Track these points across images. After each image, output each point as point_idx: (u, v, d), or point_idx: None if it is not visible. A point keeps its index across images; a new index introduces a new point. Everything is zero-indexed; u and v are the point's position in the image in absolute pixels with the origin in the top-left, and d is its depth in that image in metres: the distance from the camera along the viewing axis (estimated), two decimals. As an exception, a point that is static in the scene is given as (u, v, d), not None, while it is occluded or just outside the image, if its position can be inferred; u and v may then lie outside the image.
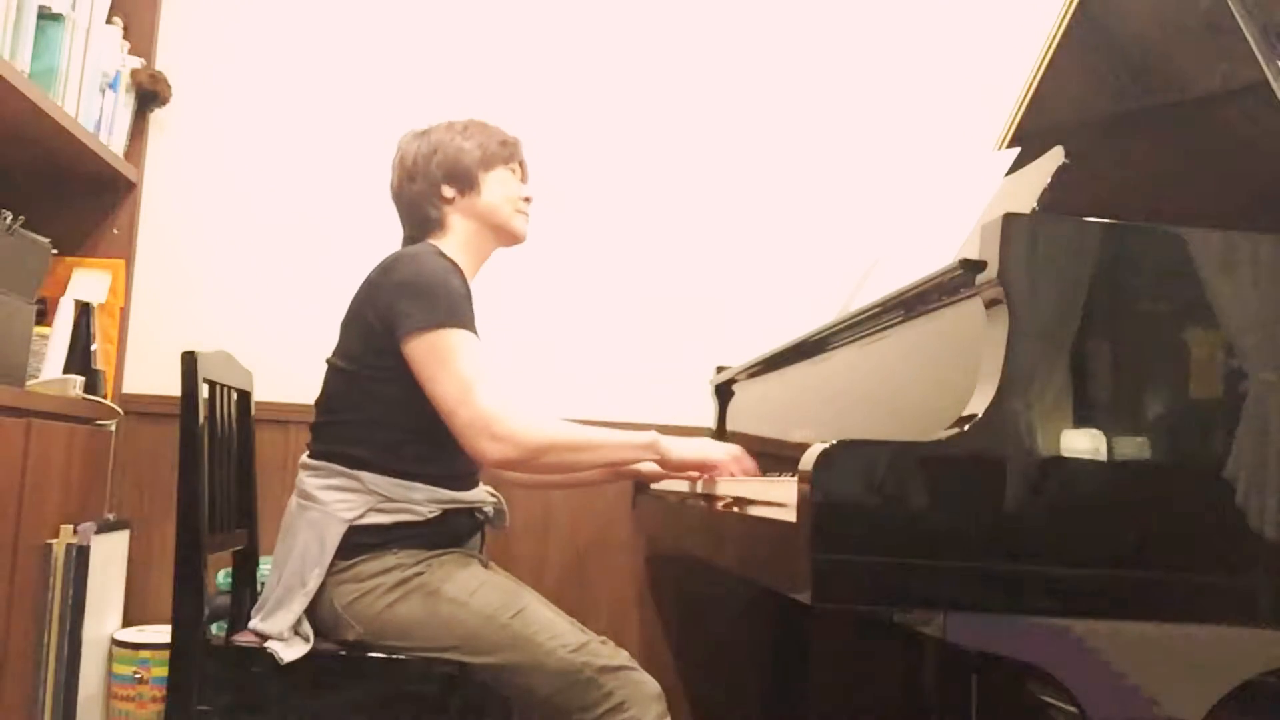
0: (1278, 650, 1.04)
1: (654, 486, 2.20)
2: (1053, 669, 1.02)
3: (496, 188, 1.73)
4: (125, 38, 2.29)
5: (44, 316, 2.09)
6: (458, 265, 1.66)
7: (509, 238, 1.77)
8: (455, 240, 1.72)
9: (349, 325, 1.64)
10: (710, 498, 1.62)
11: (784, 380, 1.93)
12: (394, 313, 1.55)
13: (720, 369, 2.40)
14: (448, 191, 1.71)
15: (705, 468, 1.68)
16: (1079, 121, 1.82)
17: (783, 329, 2.11)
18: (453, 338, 1.53)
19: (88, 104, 2.10)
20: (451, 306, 1.55)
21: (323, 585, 1.53)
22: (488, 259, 1.78)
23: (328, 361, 1.65)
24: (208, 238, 2.42)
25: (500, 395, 1.53)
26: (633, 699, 1.46)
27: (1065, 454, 1.02)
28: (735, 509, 1.37)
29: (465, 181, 1.71)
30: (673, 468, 1.70)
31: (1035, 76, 1.87)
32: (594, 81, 2.55)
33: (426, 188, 1.71)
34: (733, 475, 1.64)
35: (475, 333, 1.58)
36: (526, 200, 1.77)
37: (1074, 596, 1.01)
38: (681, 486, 1.89)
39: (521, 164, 1.79)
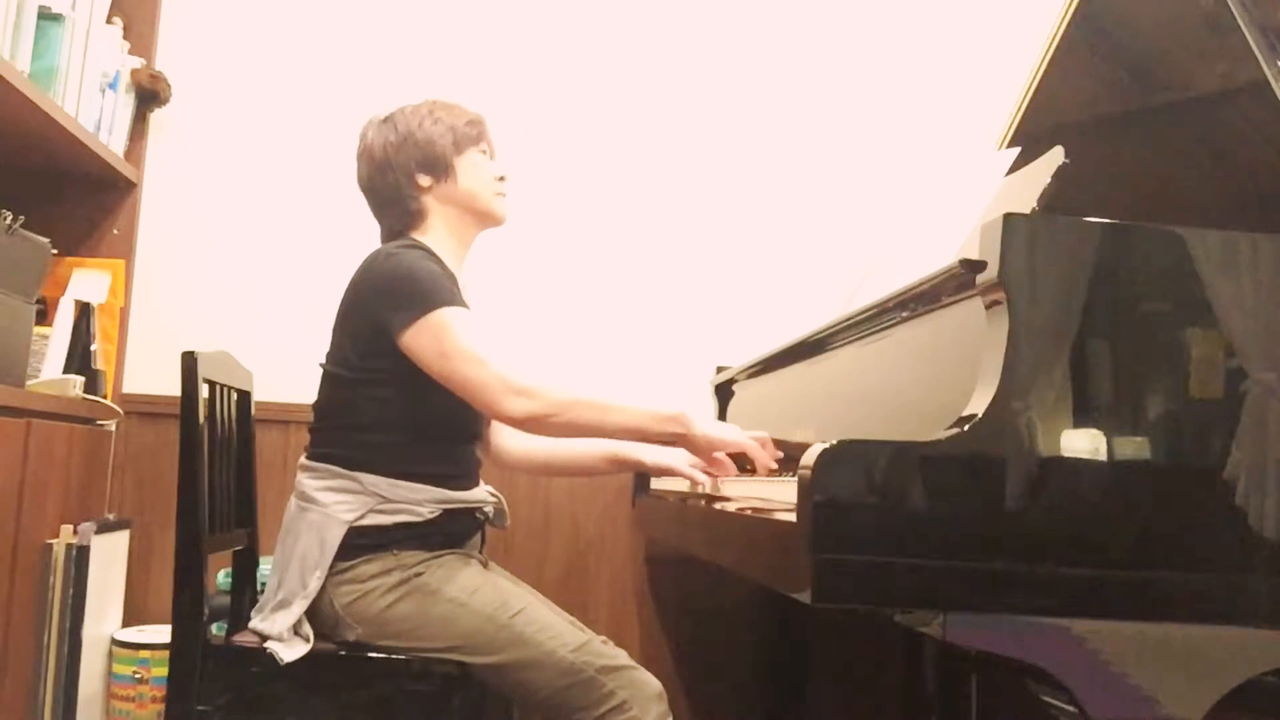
0: (1278, 650, 1.04)
1: (654, 486, 2.20)
2: (1053, 669, 1.02)
3: (472, 171, 1.70)
4: (125, 38, 2.29)
5: (44, 316, 2.09)
6: (436, 255, 1.64)
7: (489, 221, 1.74)
8: (437, 230, 1.70)
9: (339, 331, 1.63)
10: (710, 498, 1.62)
11: (784, 380, 1.93)
12: (381, 313, 1.55)
13: (720, 369, 2.40)
14: (423, 180, 1.68)
15: (731, 449, 1.56)
16: (1079, 121, 1.82)
17: (783, 329, 2.11)
18: (445, 315, 1.52)
19: (88, 104, 2.10)
20: (435, 289, 1.54)
21: (323, 586, 1.53)
22: (471, 244, 1.76)
23: (321, 367, 1.65)
24: (208, 238, 2.42)
25: (509, 358, 1.52)
26: (634, 698, 1.46)
27: (1065, 454, 1.02)
28: (735, 509, 1.37)
29: (440, 168, 1.68)
30: (699, 447, 1.56)
31: (1035, 76, 1.87)
32: (595, 80, 2.55)
33: (401, 178, 1.68)
34: (755, 470, 1.56)
35: (466, 307, 1.57)
36: (502, 179, 1.74)
37: (1074, 596, 1.01)
38: (682, 486, 1.89)
39: (489, 142, 1.76)
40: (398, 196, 1.69)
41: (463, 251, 1.74)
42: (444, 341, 1.51)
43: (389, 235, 1.73)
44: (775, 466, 1.56)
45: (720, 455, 1.61)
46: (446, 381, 1.53)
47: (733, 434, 1.56)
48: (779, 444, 1.62)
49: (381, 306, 1.55)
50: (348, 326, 1.61)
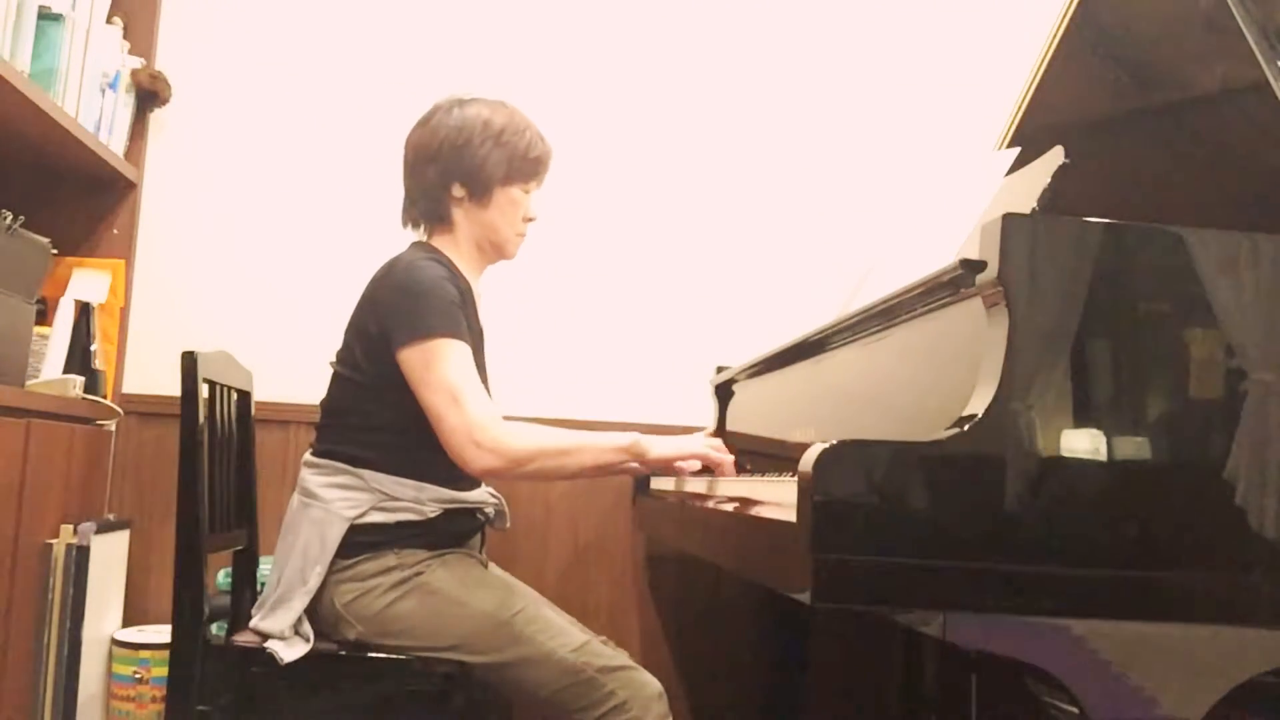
0: (1278, 650, 1.04)
1: (654, 486, 2.20)
2: (1053, 669, 1.02)
3: (506, 206, 1.72)
4: (125, 38, 2.29)
5: (44, 316, 2.09)
6: (455, 269, 1.66)
7: (498, 256, 1.77)
8: (455, 241, 1.72)
9: (351, 332, 1.65)
10: (710, 498, 1.62)
11: (784, 380, 1.93)
12: (389, 321, 1.56)
13: (720, 369, 2.40)
14: (457, 191, 1.70)
15: (684, 460, 1.67)
16: (1079, 121, 1.82)
17: (783, 329, 2.11)
18: (442, 346, 1.53)
19: (88, 104, 2.10)
20: (443, 315, 1.55)
21: (323, 584, 1.54)
22: (482, 271, 1.78)
23: (331, 366, 1.66)
24: (208, 238, 2.42)
25: (487, 404, 1.54)
26: (634, 699, 1.46)
27: (1065, 454, 1.02)
28: (735, 509, 1.37)
29: (478, 189, 1.70)
30: (652, 467, 1.68)
31: (1035, 76, 1.87)
32: (596, 80, 2.55)
33: (439, 178, 1.69)
34: (715, 467, 1.66)
35: (468, 341, 1.58)
36: (528, 221, 1.76)
37: (1074, 596, 1.00)
38: (682, 486, 1.89)
39: (541, 180, 1.78)
40: (430, 192, 1.71)
41: (475, 273, 1.77)
42: (430, 370, 1.53)
43: (411, 223, 1.75)
44: (733, 473, 1.66)
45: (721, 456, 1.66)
46: (424, 409, 1.54)
47: (689, 447, 1.67)
48: (779, 444, 1.63)
49: (390, 316, 1.57)
50: (359, 329, 1.62)
